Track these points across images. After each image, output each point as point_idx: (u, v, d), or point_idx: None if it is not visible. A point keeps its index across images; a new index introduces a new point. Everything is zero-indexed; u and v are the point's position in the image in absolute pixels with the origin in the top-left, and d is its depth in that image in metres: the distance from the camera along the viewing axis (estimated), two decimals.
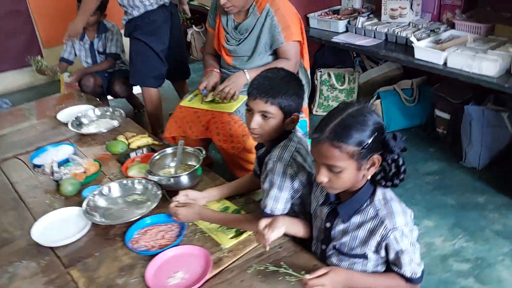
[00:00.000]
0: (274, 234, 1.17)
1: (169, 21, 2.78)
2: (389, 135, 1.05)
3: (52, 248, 1.46)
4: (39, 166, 1.97)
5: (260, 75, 1.40)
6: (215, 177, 1.78)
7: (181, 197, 1.50)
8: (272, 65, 2.03)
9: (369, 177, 1.10)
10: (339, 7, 3.22)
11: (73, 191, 1.74)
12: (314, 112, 3.25)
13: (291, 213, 1.39)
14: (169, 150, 1.82)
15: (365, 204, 1.12)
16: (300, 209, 1.41)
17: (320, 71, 3.12)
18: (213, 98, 2.08)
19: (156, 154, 1.79)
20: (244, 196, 1.64)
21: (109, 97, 3.42)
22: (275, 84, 1.35)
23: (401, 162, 1.07)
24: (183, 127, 2.08)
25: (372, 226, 1.10)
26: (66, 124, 2.32)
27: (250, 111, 1.38)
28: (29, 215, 1.66)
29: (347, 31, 2.92)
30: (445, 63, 2.28)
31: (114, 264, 1.36)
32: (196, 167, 1.71)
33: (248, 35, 2.06)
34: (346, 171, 1.05)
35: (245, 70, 2.02)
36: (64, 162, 1.94)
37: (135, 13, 2.66)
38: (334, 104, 3.20)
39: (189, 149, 1.81)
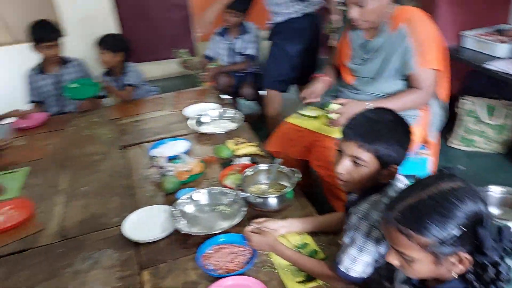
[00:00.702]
0: None
1: (310, 30, 2.80)
2: (487, 232, 0.78)
3: (136, 243, 1.54)
4: (154, 157, 2.12)
5: (362, 114, 1.22)
6: (305, 204, 1.67)
7: (259, 223, 1.44)
8: (399, 95, 1.82)
9: (455, 275, 0.85)
10: (506, 26, 2.71)
11: (172, 189, 1.82)
12: (450, 144, 2.83)
13: (375, 275, 1.20)
14: (263, 166, 1.77)
15: None
16: (386, 273, 1.20)
17: (465, 99, 2.69)
18: (315, 115, 1.95)
19: (250, 169, 1.75)
20: (330, 235, 1.49)
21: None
22: (376, 128, 1.16)
23: (503, 269, 0.79)
24: (285, 144, 2.00)
25: None
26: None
27: (340, 152, 1.22)
28: (131, 204, 1.78)
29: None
30: None
31: (181, 277, 1.36)
32: (286, 190, 1.62)
33: (375, 55, 1.86)
34: (419, 262, 0.84)
35: (368, 104, 1.74)
36: (175, 158, 2.04)
37: (279, 19, 2.76)
38: (478, 140, 2.73)
39: (284, 168, 1.73)
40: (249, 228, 1.43)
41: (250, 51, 3.30)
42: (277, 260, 1.38)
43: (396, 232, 0.84)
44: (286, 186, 1.69)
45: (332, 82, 2.08)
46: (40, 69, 2.91)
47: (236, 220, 1.54)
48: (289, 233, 1.48)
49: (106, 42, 2.92)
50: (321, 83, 2.03)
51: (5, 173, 2.14)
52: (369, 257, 1.15)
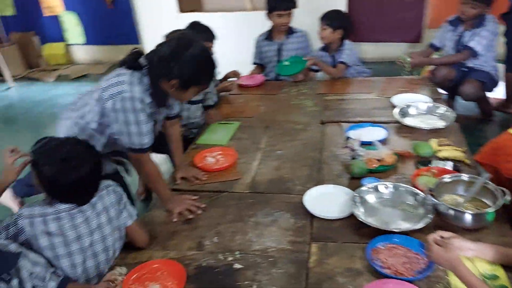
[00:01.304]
0: None
1: None
2: None
3: (312, 215, 1.59)
4: (349, 139, 2.12)
5: None
6: (506, 231, 1.43)
7: (446, 236, 1.30)
8: None
9: None
10: None
11: (358, 174, 1.80)
12: None
13: None
14: (465, 176, 1.58)
15: None
16: None
17: None
18: None
19: (448, 176, 1.58)
20: None
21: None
22: None
23: None
24: (499, 157, 1.70)
25: None
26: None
27: None
28: (316, 178, 1.85)
29: None
30: None
31: (345, 261, 1.37)
32: (488, 210, 1.41)
33: None
34: None
35: None
36: (369, 144, 2.00)
37: None
38: None
39: (491, 185, 1.50)
40: (432, 236, 1.31)
41: (472, 44, 2.88)
42: (456, 282, 1.23)
43: None
44: (487, 205, 1.48)
45: None
46: (267, 35, 3.19)
47: (419, 225, 1.44)
48: (476, 258, 1.30)
49: (328, 18, 2.99)
50: None
51: (222, 123, 2.49)
52: None
